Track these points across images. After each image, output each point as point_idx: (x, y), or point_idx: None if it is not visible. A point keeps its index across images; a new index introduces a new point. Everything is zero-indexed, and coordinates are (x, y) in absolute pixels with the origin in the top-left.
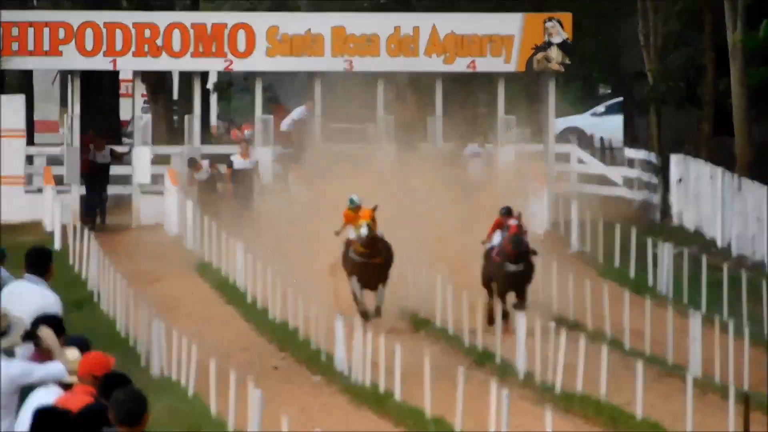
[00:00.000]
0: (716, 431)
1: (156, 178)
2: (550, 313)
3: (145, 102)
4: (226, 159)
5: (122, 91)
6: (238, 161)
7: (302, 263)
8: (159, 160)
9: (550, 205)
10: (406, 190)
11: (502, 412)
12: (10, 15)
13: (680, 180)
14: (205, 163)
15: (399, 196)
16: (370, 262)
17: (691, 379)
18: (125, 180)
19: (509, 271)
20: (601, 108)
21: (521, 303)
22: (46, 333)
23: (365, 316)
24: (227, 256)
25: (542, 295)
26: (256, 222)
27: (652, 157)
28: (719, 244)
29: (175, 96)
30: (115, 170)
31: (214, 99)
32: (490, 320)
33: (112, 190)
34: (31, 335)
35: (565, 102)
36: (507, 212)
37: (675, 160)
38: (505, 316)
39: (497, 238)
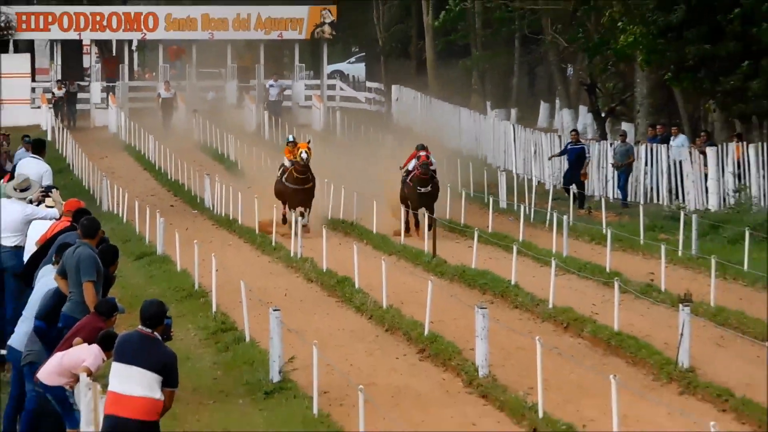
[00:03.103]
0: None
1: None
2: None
3: (96, 56)
4: (147, 91)
5: (84, 51)
6: (164, 93)
7: (186, 145)
8: (105, 89)
9: (325, 112)
10: (242, 105)
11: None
12: (21, 8)
13: (397, 99)
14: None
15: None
16: (303, 188)
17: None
18: (86, 101)
19: (420, 192)
20: (353, 59)
21: (431, 214)
22: (55, 194)
23: (285, 221)
24: (145, 143)
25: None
26: (168, 126)
27: (381, 86)
28: (419, 133)
29: (114, 53)
30: (81, 95)
31: (136, 55)
32: (408, 229)
33: (80, 106)
34: (44, 190)
35: (333, 55)
36: (421, 147)
37: (394, 88)
38: (417, 224)
39: (412, 165)
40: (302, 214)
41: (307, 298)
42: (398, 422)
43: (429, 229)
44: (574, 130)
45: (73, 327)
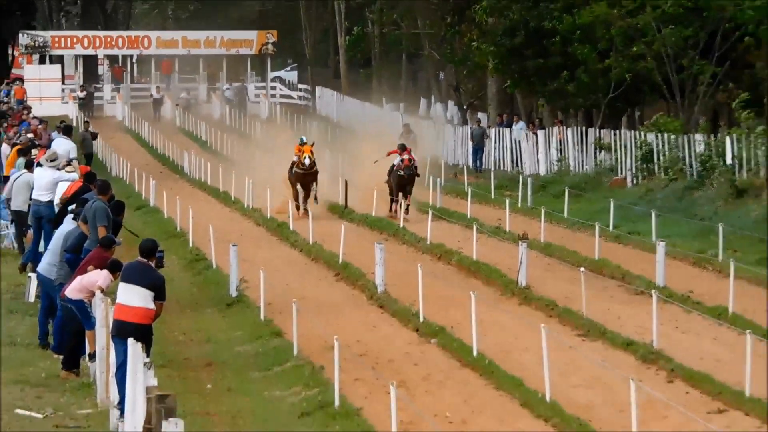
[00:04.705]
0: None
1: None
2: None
3: (107, 67)
4: (143, 91)
5: (99, 63)
6: (155, 93)
7: (171, 129)
8: (113, 90)
9: (269, 106)
10: (210, 101)
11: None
12: (54, 33)
13: (319, 96)
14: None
15: (210, 102)
16: (308, 172)
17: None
18: (101, 98)
19: (401, 175)
20: (288, 68)
21: (408, 195)
22: (74, 163)
23: (298, 207)
24: (142, 128)
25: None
26: (158, 117)
27: (308, 87)
28: (335, 121)
29: (120, 64)
30: (96, 94)
31: (135, 65)
32: (391, 209)
33: (96, 101)
34: (68, 163)
35: (274, 65)
36: (402, 148)
37: (318, 89)
38: (398, 203)
39: (396, 160)
40: (315, 197)
41: (256, 237)
42: (320, 324)
43: (406, 213)
44: (406, 124)
45: (85, 258)
